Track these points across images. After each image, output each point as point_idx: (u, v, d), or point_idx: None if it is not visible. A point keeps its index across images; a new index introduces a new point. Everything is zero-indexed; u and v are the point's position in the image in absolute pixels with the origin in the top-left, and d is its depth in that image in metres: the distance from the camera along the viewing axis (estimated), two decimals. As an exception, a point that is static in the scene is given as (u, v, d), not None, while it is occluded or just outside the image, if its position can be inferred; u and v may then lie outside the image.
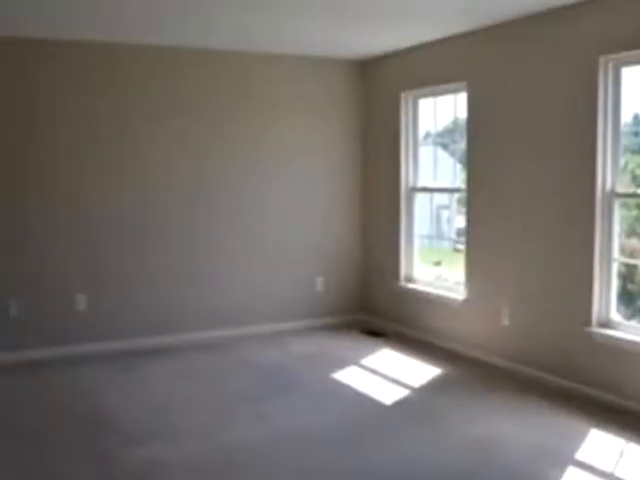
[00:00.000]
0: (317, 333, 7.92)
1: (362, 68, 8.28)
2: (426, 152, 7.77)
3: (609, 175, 5.54)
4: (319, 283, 8.24)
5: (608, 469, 4.40)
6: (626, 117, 5.59)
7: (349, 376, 6.33)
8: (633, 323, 5.54)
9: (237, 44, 7.21)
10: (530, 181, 6.09)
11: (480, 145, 6.61)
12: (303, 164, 8.04)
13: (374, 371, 6.50)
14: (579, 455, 4.60)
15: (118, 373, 6.48)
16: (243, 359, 6.92)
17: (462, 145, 7.02)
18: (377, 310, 8.30)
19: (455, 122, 7.30)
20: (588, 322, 5.63)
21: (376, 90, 8.17)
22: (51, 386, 6.12)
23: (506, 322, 6.38)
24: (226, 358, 6.95)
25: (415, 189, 7.75)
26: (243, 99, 7.66)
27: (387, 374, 6.40)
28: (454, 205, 7.63)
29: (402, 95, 7.70)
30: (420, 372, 6.45)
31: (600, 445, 4.75)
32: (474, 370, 6.48)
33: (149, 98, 7.21)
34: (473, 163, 6.72)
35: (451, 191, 7.47)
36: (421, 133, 7.79)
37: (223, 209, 7.64)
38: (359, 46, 7.42)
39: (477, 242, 6.73)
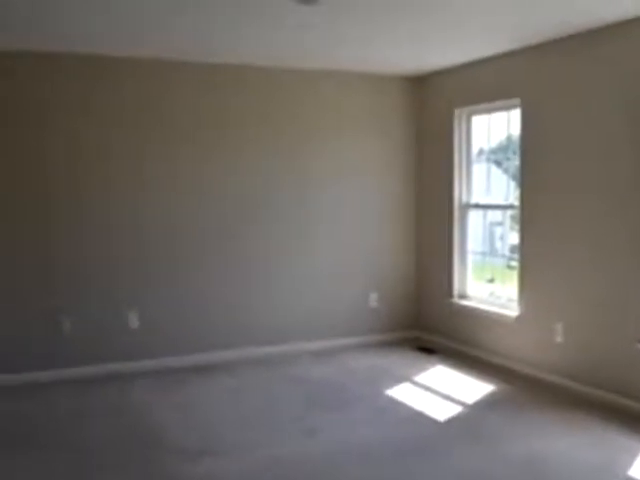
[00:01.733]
0: (370, 349, 7.94)
1: (416, 84, 8.32)
2: (479, 169, 7.76)
3: (665, 192, 5.50)
4: (373, 299, 8.27)
5: (663, 488, 4.36)
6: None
7: (402, 392, 6.34)
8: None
9: (290, 61, 7.30)
10: (584, 197, 6.05)
11: (533, 162, 6.59)
12: (357, 180, 8.09)
13: (427, 388, 6.49)
14: (632, 472, 4.56)
15: (170, 389, 6.57)
16: (295, 375, 6.96)
17: (515, 162, 7.01)
18: (430, 327, 8.29)
19: (509, 138, 7.29)
20: (643, 340, 5.59)
21: (430, 106, 8.19)
22: (103, 403, 6.21)
23: (559, 339, 6.33)
24: (278, 374, 7.00)
25: (468, 206, 7.75)
26: (296, 116, 7.74)
27: (440, 391, 6.39)
28: (507, 222, 7.61)
29: (456, 112, 7.72)
30: (473, 389, 6.44)
31: (655, 464, 4.71)
32: (527, 387, 6.45)
33: (202, 114, 7.31)
34: (526, 180, 6.69)
35: (504, 208, 7.45)
36: (474, 150, 7.78)
37: (277, 225, 7.71)
38: (413, 62, 7.45)
39: (530, 259, 6.69)
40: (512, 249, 7.40)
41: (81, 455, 5.00)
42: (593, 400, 5.95)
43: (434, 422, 5.61)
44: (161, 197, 7.17)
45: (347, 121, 7.99)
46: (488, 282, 7.89)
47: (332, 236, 8.00)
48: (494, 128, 7.48)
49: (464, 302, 7.73)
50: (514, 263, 7.14)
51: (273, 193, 7.66)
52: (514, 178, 7.13)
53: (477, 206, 7.69)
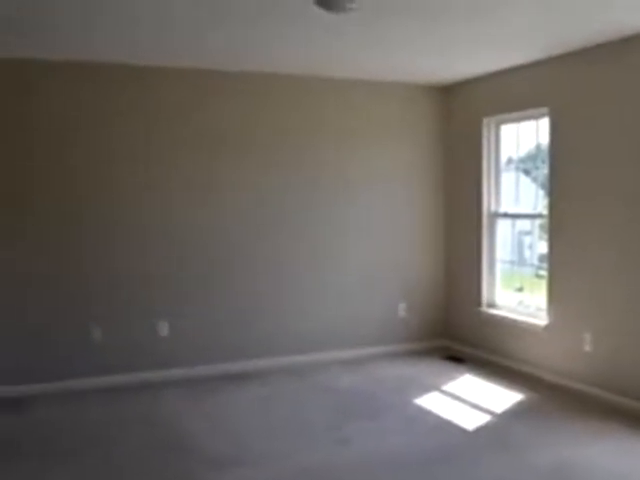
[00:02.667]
0: (399, 358, 7.96)
1: (444, 93, 8.35)
2: (508, 178, 7.76)
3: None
4: (402, 309, 8.28)
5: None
6: None
7: (431, 401, 6.35)
8: None
9: (320, 69, 7.35)
10: (613, 206, 6.05)
11: (562, 170, 6.59)
12: (385, 190, 8.12)
13: (456, 396, 6.50)
14: (663, 484, 4.56)
15: (200, 398, 6.62)
16: (325, 384, 7.00)
17: (544, 171, 7.00)
18: (459, 336, 8.29)
19: (537, 147, 7.28)
20: (673, 349, 5.57)
21: (458, 116, 8.21)
22: (134, 411, 6.25)
23: (588, 348, 6.32)
24: (308, 383, 7.04)
25: (497, 215, 7.75)
26: (323, 125, 7.79)
27: (469, 399, 6.40)
28: (536, 231, 7.60)
29: (484, 121, 7.73)
30: (501, 398, 6.43)
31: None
32: (555, 396, 6.43)
33: (234, 122, 7.38)
34: (555, 188, 6.69)
35: (533, 217, 7.45)
36: (503, 159, 7.79)
37: (307, 235, 7.76)
38: (441, 71, 7.48)
39: (559, 268, 6.69)
40: (541, 258, 7.39)
41: (111, 463, 5.07)
42: (622, 409, 5.93)
43: (463, 431, 5.62)
44: (192, 207, 7.25)
45: (376, 130, 8.03)
46: (517, 291, 7.88)
47: (361, 245, 8.03)
48: (522, 137, 7.48)
49: (493, 311, 7.73)
50: (543, 272, 7.13)
51: (303, 201, 7.72)
52: (543, 187, 7.13)
53: (506, 215, 7.69)
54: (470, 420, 5.85)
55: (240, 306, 7.48)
